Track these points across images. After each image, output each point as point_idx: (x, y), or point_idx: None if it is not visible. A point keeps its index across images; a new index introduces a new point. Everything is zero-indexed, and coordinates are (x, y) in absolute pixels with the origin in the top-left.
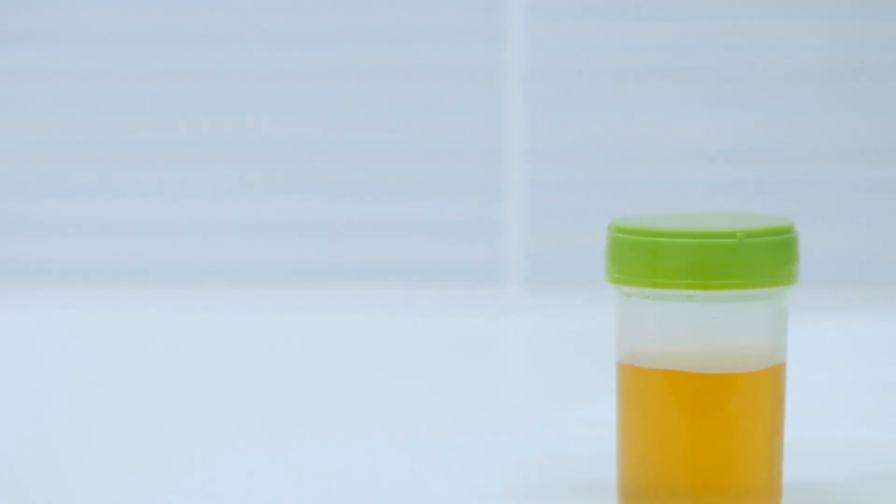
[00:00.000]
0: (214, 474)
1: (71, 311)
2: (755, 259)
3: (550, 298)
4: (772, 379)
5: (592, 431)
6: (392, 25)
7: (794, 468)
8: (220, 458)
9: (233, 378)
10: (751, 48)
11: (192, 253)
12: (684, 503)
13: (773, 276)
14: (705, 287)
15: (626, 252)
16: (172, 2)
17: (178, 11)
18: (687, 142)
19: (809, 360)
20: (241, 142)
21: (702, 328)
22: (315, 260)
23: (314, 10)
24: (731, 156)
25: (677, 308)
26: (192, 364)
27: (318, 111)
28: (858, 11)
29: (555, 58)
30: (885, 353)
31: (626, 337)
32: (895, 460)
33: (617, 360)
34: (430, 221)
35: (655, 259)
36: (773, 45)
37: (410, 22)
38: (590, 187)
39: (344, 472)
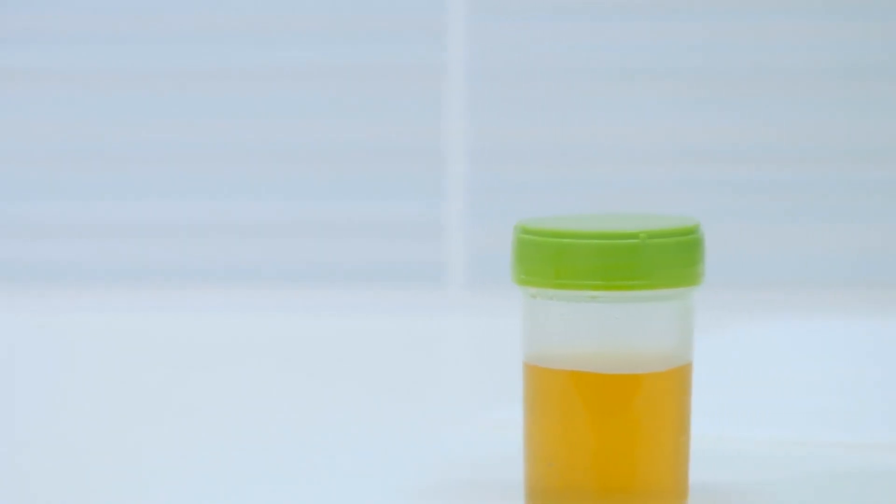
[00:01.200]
0: (160, 471)
1: (46, 312)
2: (658, 260)
3: (492, 299)
4: (677, 379)
5: (512, 432)
6: (333, 27)
7: (701, 468)
8: (165, 455)
9: (175, 376)
10: (695, 47)
11: (148, 254)
12: (590, 503)
13: (677, 277)
14: (608, 288)
15: (530, 253)
16: (126, 4)
17: (130, 13)
18: (629, 142)
19: (726, 359)
20: (186, 143)
21: (606, 329)
22: (255, 261)
23: (251, 13)
24: (673, 156)
25: (581, 309)
26: (148, 364)
27: (257, 113)
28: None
29: (496, 59)
30: (803, 353)
31: (531, 338)
32: (801, 461)
33: (523, 361)
34: (372, 222)
35: (559, 260)
36: (717, 45)
37: (352, 23)
38: (532, 188)
39: (258, 468)
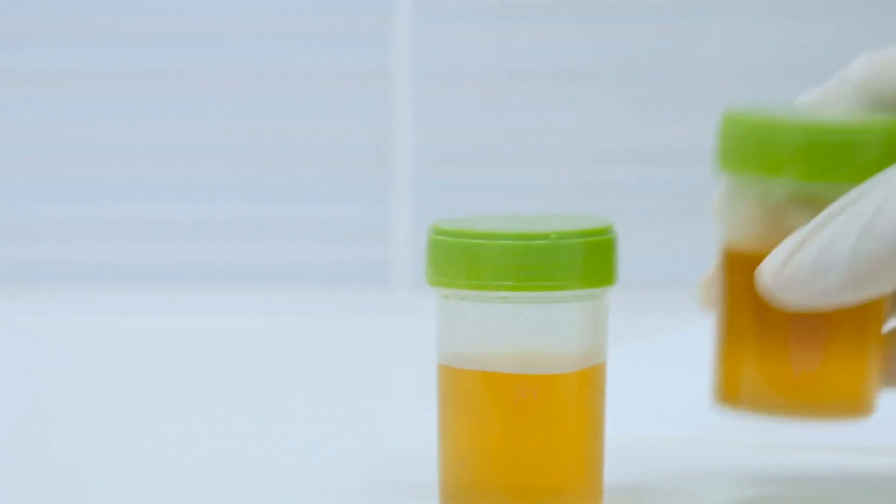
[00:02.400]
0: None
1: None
2: (570, 260)
3: None
4: (590, 380)
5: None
6: (277, 28)
7: (617, 469)
8: (101, 456)
9: (112, 378)
10: (639, 49)
11: (95, 255)
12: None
13: (589, 278)
14: (520, 288)
15: (442, 254)
16: (60, 4)
17: (75, 16)
18: (575, 143)
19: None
20: (128, 144)
21: (518, 330)
22: (201, 262)
23: (201, 13)
24: (621, 156)
25: (493, 310)
26: (88, 364)
27: (206, 114)
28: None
29: (442, 61)
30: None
31: (445, 339)
32: (718, 459)
33: (437, 362)
34: (318, 224)
35: (471, 261)
36: (660, 47)
37: (296, 25)
38: (478, 189)
39: (180, 471)
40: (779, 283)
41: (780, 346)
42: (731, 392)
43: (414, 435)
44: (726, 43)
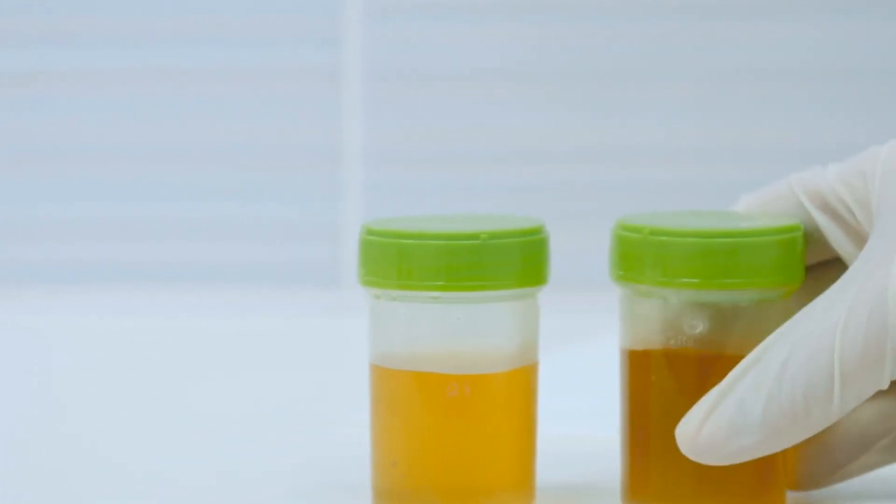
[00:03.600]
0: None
1: None
2: (500, 260)
3: None
4: (521, 380)
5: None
6: (228, 28)
7: (549, 468)
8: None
9: (50, 378)
10: (588, 48)
11: (46, 254)
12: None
13: (520, 278)
14: (450, 288)
15: (373, 254)
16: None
17: (25, 15)
18: (526, 143)
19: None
20: (78, 144)
21: (448, 330)
22: (148, 261)
23: (145, 14)
24: (572, 157)
25: (424, 310)
26: (44, 364)
27: (158, 114)
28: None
29: (392, 60)
30: None
31: (376, 339)
32: None
33: (369, 362)
34: (268, 223)
35: (401, 261)
36: (610, 46)
37: (246, 24)
38: (429, 189)
39: (117, 469)
40: (696, 449)
41: None
42: (638, 491)
43: (351, 435)
44: (679, 43)
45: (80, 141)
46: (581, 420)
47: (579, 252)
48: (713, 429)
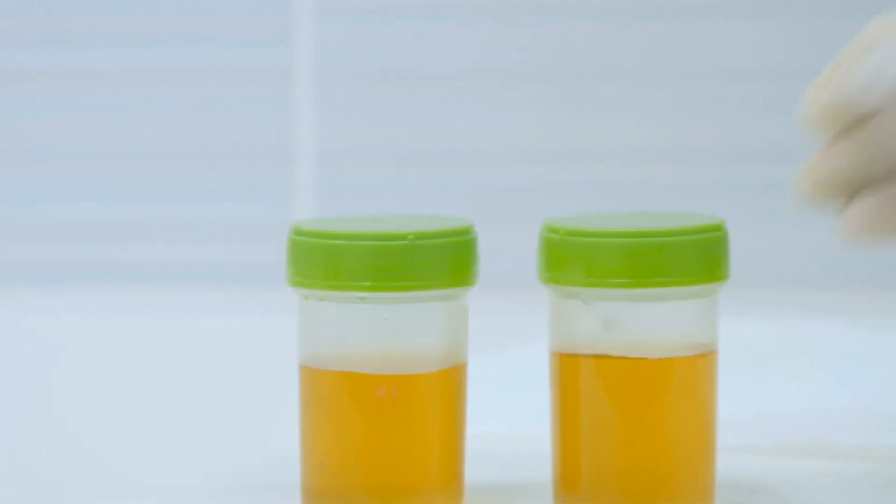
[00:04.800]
0: None
1: None
2: (428, 261)
3: None
4: (450, 380)
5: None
6: (179, 28)
7: (477, 468)
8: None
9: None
10: (535, 49)
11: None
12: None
13: (448, 278)
14: (377, 289)
15: (302, 254)
16: None
17: None
18: (478, 143)
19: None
20: (29, 145)
21: (376, 330)
22: (101, 261)
23: (94, 15)
24: (525, 157)
25: (352, 310)
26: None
27: (109, 114)
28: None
29: (344, 60)
30: None
31: (305, 339)
32: None
33: (298, 362)
34: (220, 223)
35: (329, 261)
36: (558, 46)
37: (197, 24)
38: (381, 189)
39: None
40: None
41: (610, 441)
42: (568, 490)
43: (286, 435)
44: (621, 43)
45: (45, 141)
46: (511, 420)
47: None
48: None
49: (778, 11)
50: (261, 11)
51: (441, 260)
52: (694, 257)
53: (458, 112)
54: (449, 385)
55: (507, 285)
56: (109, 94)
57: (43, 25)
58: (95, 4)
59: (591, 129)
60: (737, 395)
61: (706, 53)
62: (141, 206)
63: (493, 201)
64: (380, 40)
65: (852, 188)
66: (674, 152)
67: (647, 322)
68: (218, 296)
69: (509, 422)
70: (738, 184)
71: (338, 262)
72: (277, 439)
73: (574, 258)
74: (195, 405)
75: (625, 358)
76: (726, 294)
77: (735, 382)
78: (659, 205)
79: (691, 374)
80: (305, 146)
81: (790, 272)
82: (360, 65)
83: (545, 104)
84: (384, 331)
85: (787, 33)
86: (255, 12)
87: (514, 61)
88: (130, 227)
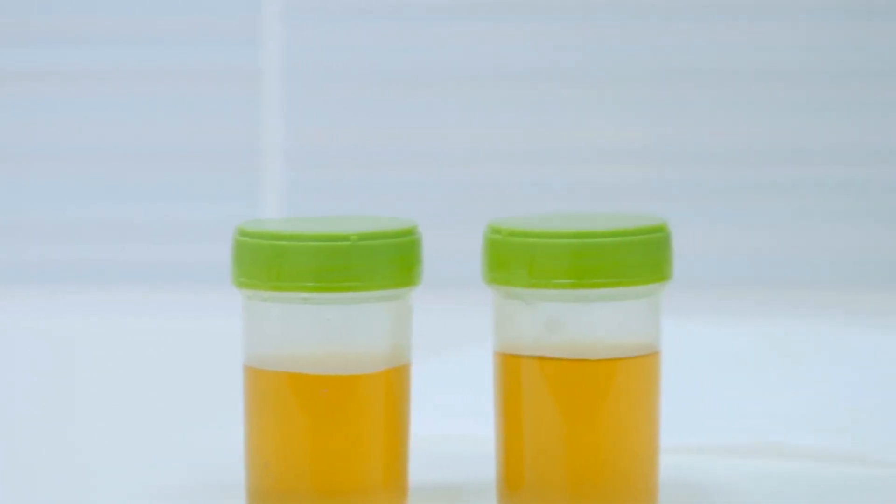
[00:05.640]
0: None
1: None
2: (371, 261)
3: None
4: (393, 380)
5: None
6: (147, 28)
7: (422, 468)
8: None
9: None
10: (509, 49)
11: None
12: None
13: (391, 279)
14: (320, 289)
15: (246, 255)
16: None
17: None
18: (445, 143)
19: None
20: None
21: (320, 331)
22: (72, 262)
23: (62, 14)
24: (497, 158)
25: (295, 311)
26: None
27: (78, 114)
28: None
29: (313, 59)
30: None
31: (249, 340)
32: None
33: (243, 363)
34: (187, 223)
35: (272, 262)
36: (527, 47)
37: (165, 24)
38: (350, 190)
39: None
40: None
41: (553, 442)
42: (512, 490)
43: (233, 436)
44: (567, 44)
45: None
46: (455, 420)
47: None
48: None
49: (730, 9)
50: (229, 11)
51: (384, 261)
52: (636, 258)
53: (429, 112)
54: (393, 385)
55: (452, 286)
56: (78, 95)
57: (6, 26)
58: (54, 5)
59: (543, 130)
60: (682, 395)
61: (652, 54)
62: (107, 206)
63: (463, 200)
64: (348, 40)
65: None
66: (618, 153)
67: (590, 323)
68: (184, 296)
69: (453, 422)
70: (682, 185)
71: (281, 262)
72: (227, 439)
73: (516, 259)
74: (150, 405)
75: (567, 359)
76: (672, 295)
77: (680, 383)
78: (604, 206)
79: (634, 374)
80: (273, 146)
81: (738, 272)
82: (329, 65)
83: (509, 105)
84: (327, 331)
85: (739, 34)
86: (224, 12)
87: (480, 62)
88: (99, 228)
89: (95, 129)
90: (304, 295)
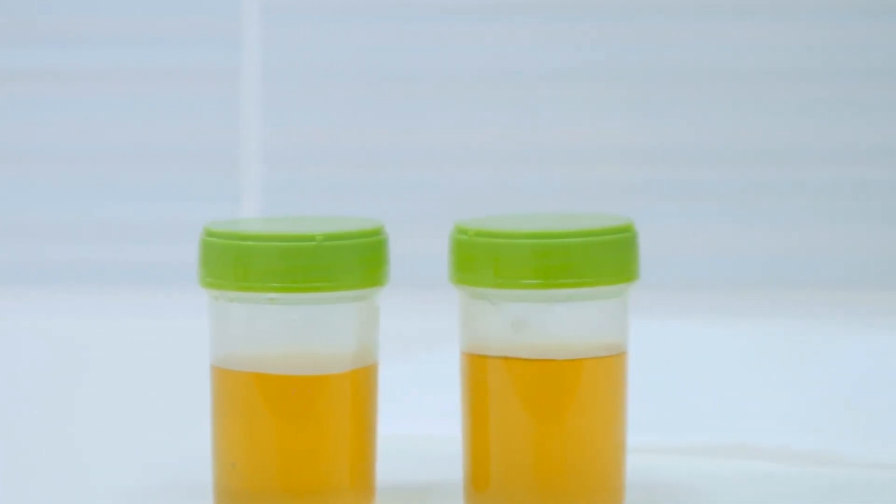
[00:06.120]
0: None
1: None
2: (336, 262)
3: None
4: (360, 380)
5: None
6: (126, 28)
7: (390, 468)
8: None
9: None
10: (483, 50)
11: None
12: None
13: (357, 279)
14: (286, 290)
15: (212, 256)
16: None
17: None
18: (424, 143)
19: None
20: None
21: (286, 331)
22: (42, 262)
23: (41, 14)
24: (469, 158)
25: (261, 311)
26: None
27: (54, 113)
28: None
29: (292, 60)
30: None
31: (216, 340)
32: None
33: (210, 363)
34: (167, 224)
35: (238, 263)
36: (500, 48)
37: (144, 24)
38: (328, 191)
39: None
40: None
41: (520, 442)
42: (479, 490)
43: (200, 436)
44: (529, 44)
45: None
46: (422, 420)
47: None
48: None
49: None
50: (208, 11)
51: (349, 261)
52: (602, 258)
53: (407, 112)
54: (360, 385)
55: (420, 286)
56: (52, 96)
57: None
58: (30, 4)
59: (512, 130)
60: (650, 395)
61: (616, 54)
62: (86, 206)
63: (436, 201)
64: (328, 41)
65: None
66: (586, 153)
67: (556, 323)
68: (163, 298)
69: (421, 422)
70: (649, 185)
71: (247, 263)
72: (195, 438)
73: (482, 259)
74: (118, 405)
75: (533, 359)
76: (642, 295)
77: (650, 383)
78: (572, 206)
79: (600, 374)
80: (253, 147)
81: (705, 273)
82: (309, 65)
83: (482, 106)
84: (293, 332)
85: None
86: (203, 11)
87: (457, 63)
88: (77, 228)
89: (77, 127)
90: (270, 295)
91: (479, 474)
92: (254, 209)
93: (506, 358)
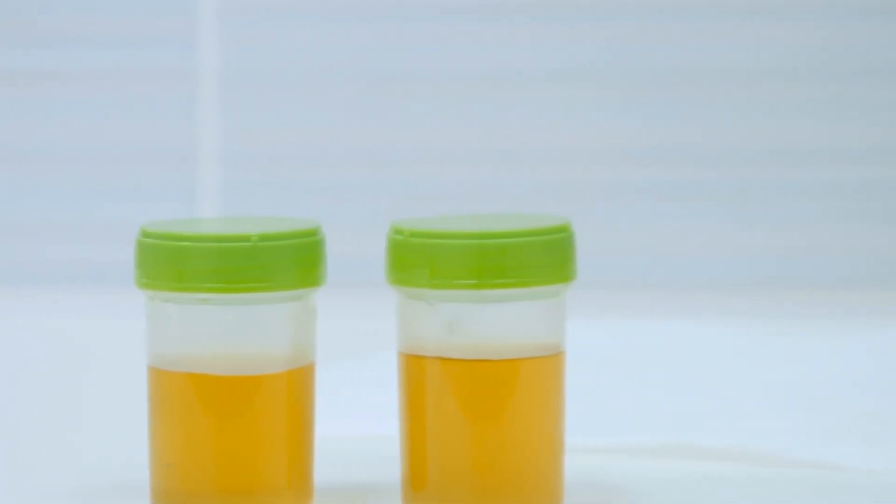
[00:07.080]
0: None
1: None
2: (271, 262)
3: None
4: (296, 381)
5: None
6: (81, 28)
7: (327, 468)
8: None
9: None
10: (445, 50)
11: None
12: None
13: (292, 279)
14: (220, 290)
15: (147, 256)
16: None
17: None
18: (384, 144)
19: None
20: None
21: (222, 331)
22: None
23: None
24: (442, 158)
25: (197, 312)
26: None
27: (17, 115)
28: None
29: (248, 60)
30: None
31: (152, 341)
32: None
33: (146, 363)
34: (122, 225)
35: (173, 263)
36: (477, 47)
37: (100, 25)
38: (286, 191)
39: None
40: None
41: (456, 442)
42: (417, 490)
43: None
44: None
45: None
46: (360, 420)
47: None
48: None
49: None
50: (164, 11)
51: (285, 261)
52: (539, 258)
53: (364, 112)
54: (296, 386)
55: (357, 286)
56: (11, 96)
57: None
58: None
59: (453, 131)
60: (589, 395)
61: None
62: (42, 207)
63: (402, 201)
64: (284, 41)
65: None
66: (524, 153)
67: (492, 323)
68: (120, 298)
69: (358, 422)
70: (587, 185)
71: (181, 263)
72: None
73: (418, 259)
74: (55, 406)
75: (469, 359)
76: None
77: (589, 383)
78: (510, 206)
79: (537, 375)
80: (209, 147)
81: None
82: (265, 66)
83: (437, 106)
84: (230, 332)
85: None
86: (159, 12)
87: (412, 63)
88: (35, 229)
89: (33, 128)
90: (205, 296)
91: (416, 474)
92: (210, 210)
93: (442, 358)
